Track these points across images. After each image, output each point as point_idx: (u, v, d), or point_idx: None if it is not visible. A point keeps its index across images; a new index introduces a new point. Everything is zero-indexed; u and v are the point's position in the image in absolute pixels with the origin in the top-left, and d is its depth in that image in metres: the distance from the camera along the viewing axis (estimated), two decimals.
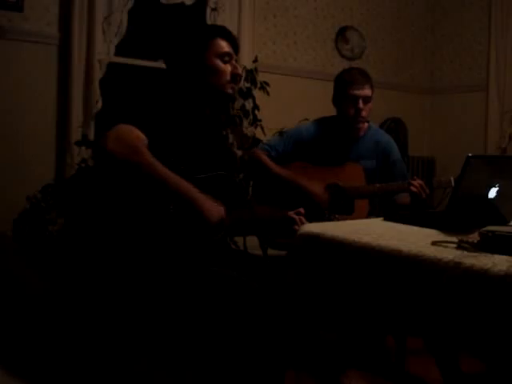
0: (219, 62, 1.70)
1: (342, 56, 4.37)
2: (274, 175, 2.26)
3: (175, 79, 1.74)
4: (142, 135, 1.52)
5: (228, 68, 1.71)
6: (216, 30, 1.76)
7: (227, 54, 1.71)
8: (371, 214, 2.23)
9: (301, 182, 2.23)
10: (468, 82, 4.64)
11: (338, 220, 2.15)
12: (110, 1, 3.20)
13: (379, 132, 2.49)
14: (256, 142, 3.42)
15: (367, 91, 2.27)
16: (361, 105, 2.25)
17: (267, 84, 3.55)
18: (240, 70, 1.76)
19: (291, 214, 1.74)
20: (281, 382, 1.53)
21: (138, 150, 1.49)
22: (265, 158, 2.28)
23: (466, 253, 1.11)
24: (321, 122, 2.40)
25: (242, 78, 3.49)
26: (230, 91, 1.73)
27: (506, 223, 1.34)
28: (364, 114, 2.27)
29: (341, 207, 2.22)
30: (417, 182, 2.19)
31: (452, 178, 2.19)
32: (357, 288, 1.28)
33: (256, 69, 3.60)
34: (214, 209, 1.54)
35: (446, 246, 1.16)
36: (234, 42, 1.74)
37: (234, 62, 1.73)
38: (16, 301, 1.49)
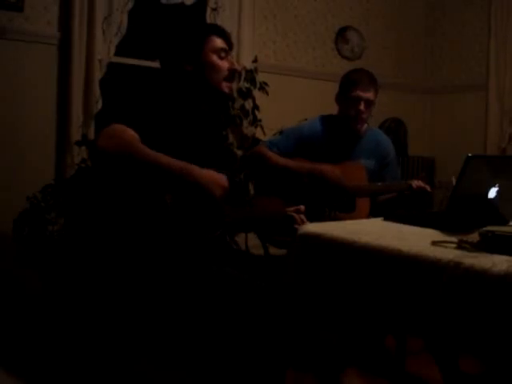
0: (216, 58, 1.71)
1: (342, 56, 4.37)
2: (277, 167, 2.23)
3: (171, 78, 1.74)
4: (135, 134, 1.52)
5: (225, 64, 1.72)
6: (209, 28, 1.79)
7: (223, 49, 1.72)
8: (373, 213, 2.23)
9: (315, 166, 2.17)
10: (468, 81, 4.64)
11: (339, 217, 2.14)
12: (110, 1, 3.20)
13: (379, 132, 2.49)
14: (256, 141, 3.42)
15: (370, 95, 2.24)
16: (362, 107, 2.23)
17: (266, 84, 3.55)
18: (237, 66, 1.77)
19: (291, 212, 1.73)
20: (281, 381, 1.54)
21: (130, 143, 1.49)
22: (269, 152, 2.26)
23: (466, 253, 1.11)
24: (323, 120, 2.38)
25: (242, 78, 3.50)
26: (226, 90, 1.73)
27: (506, 223, 1.34)
28: (364, 116, 2.26)
29: (342, 205, 2.21)
30: (417, 182, 2.20)
31: (453, 178, 2.18)
32: (357, 288, 1.28)
33: (256, 69, 3.60)
34: (215, 178, 1.53)
35: (446, 246, 1.16)
36: (227, 39, 1.75)
37: (230, 57, 1.74)
38: (16, 300, 1.49)
